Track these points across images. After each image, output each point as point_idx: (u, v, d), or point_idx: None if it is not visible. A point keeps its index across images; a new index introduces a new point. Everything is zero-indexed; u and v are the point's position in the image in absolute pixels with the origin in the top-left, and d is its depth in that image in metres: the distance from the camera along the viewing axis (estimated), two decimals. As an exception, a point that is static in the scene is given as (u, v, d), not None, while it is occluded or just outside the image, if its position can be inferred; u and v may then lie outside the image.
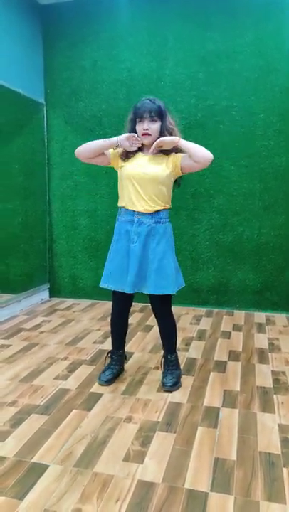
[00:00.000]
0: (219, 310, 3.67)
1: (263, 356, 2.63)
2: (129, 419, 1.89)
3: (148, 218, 2.07)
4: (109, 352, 2.35)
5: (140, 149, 2.11)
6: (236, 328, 3.21)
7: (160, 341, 2.85)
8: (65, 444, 1.70)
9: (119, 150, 2.12)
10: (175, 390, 2.16)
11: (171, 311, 2.23)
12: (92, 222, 3.91)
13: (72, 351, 2.71)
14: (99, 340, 2.91)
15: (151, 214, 2.06)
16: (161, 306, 2.19)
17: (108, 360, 2.34)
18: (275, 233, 3.52)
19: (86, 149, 2.09)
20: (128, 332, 3.06)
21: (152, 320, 3.38)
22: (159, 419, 1.89)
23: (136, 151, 2.10)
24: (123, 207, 2.13)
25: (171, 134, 2.05)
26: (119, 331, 2.31)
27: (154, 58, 3.60)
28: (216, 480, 1.49)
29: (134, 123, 2.08)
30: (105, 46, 3.69)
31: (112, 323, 2.31)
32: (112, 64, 3.70)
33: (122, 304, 2.24)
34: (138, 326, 3.25)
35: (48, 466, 1.56)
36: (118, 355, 2.32)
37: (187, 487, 1.45)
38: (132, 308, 3.78)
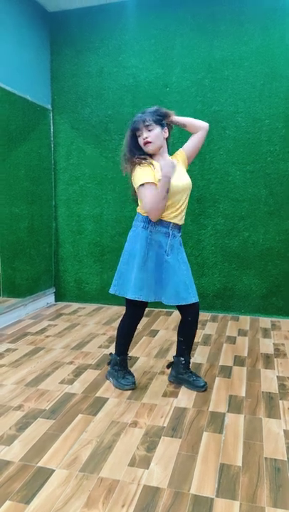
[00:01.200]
0: (224, 315, 3.67)
1: (268, 361, 2.63)
2: (134, 424, 1.89)
3: (177, 231, 2.14)
4: (122, 359, 2.30)
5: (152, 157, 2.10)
6: (241, 333, 3.20)
7: (165, 346, 2.87)
8: (70, 448, 1.71)
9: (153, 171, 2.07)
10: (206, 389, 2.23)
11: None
12: (98, 227, 3.93)
13: (77, 355, 2.72)
14: (104, 345, 2.92)
15: (180, 226, 2.14)
16: (196, 315, 2.22)
17: (121, 366, 2.30)
18: (280, 238, 3.52)
19: (158, 207, 2.01)
20: (133, 337, 3.09)
21: (157, 325, 3.39)
22: (165, 424, 1.89)
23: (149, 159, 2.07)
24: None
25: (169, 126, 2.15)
26: (132, 336, 2.33)
27: (160, 65, 3.64)
28: (222, 485, 1.48)
29: (135, 139, 2.09)
30: (112, 53, 3.73)
31: (131, 330, 2.29)
32: (118, 70, 3.73)
33: (142, 312, 2.26)
34: (143, 330, 3.25)
35: (53, 471, 1.56)
36: (129, 360, 2.37)
37: (193, 492, 1.45)
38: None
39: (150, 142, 2.04)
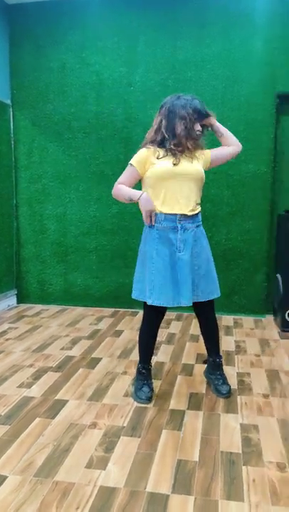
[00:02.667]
0: (189, 313, 3.70)
1: (229, 358, 2.66)
2: (94, 426, 1.86)
3: (190, 223, 1.99)
4: (142, 367, 2.16)
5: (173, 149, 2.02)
6: (204, 331, 3.23)
7: (129, 346, 2.86)
8: (26, 453, 1.66)
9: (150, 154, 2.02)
10: (230, 395, 2.12)
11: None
12: (61, 226, 3.87)
13: (38, 358, 2.65)
14: (67, 347, 2.87)
15: (191, 217, 2.00)
16: (212, 310, 2.16)
17: (141, 375, 2.16)
18: (242, 238, 3.59)
19: (119, 197, 2.08)
20: (96, 337, 3.06)
21: (122, 325, 3.37)
22: (125, 424, 1.87)
23: (179, 154, 2.00)
24: (160, 212, 1.99)
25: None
26: (153, 344, 2.16)
27: (123, 63, 3.63)
28: (178, 481, 1.48)
29: (192, 121, 1.98)
30: (74, 49, 3.69)
31: (148, 337, 2.14)
32: (81, 67, 3.69)
33: (160, 316, 2.11)
34: (107, 331, 3.22)
35: (6, 477, 1.51)
36: (149, 368, 2.18)
37: (149, 490, 1.44)
38: (101, 313, 3.77)
39: (203, 135, 2.05)
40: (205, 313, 2.16)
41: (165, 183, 1.97)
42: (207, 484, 1.47)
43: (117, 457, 1.63)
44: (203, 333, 2.22)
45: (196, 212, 2.03)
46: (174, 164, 1.96)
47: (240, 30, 3.43)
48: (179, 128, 1.97)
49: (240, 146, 2.22)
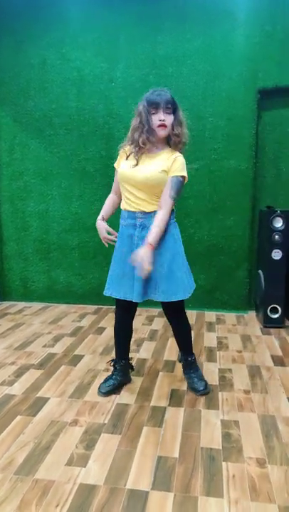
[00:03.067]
0: (172, 310, 3.71)
1: (211, 354, 2.69)
2: (75, 423, 1.86)
3: (150, 220, 1.92)
4: (112, 361, 2.23)
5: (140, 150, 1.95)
6: (187, 327, 3.26)
7: (111, 343, 2.86)
8: (6, 451, 1.65)
9: (126, 151, 2.01)
10: (208, 391, 2.13)
11: (185, 315, 2.16)
12: (44, 223, 3.83)
13: (20, 356, 2.64)
14: (49, 344, 2.86)
15: (152, 214, 1.93)
16: (175, 312, 2.11)
17: (115, 367, 2.21)
18: (224, 234, 3.62)
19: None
20: (79, 334, 3.05)
21: (105, 322, 3.37)
22: (106, 421, 1.88)
23: (139, 153, 1.94)
24: (124, 209, 2.03)
25: (182, 131, 1.93)
26: (123, 339, 2.18)
27: (104, 59, 3.59)
28: (158, 478, 1.50)
29: (148, 113, 1.88)
30: (55, 45, 3.64)
31: (116, 332, 2.18)
32: (61, 63, 3.65)
33: (126, 311, 2.12)
34: (90, 328, 3.22)
35: (-14, 476, 1.50)
36: (121, 365, 2.19)
37: (129, 487, 1.45)
38: (83, 310, 3.75)
39: (165, 126, 1.89)
40: (169, 314, 2.14)
41: (123, 184, 1.99)
42: (187, 480, 1.49)
43: (98, 454, 1.64)
44: (173, 332, 2.24)
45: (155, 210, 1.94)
46: (134, 165, 1.93)
47: (222, 25, 3.43)
48: (133, 124, 1.94)
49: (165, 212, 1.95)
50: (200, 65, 3.50)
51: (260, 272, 3.43)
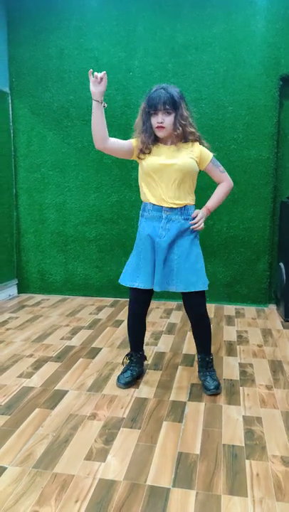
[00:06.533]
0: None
1: (231, 349, 2.63)
2: (93, 417, 1.84)
3: (177, 214, 1.97)
4: (128, 354, 2.22)
5: (158, 140, 1.98)
6: (206, 321, 3.20)
7: (126, 338, 2.82)
8: (25, 444, 1.64)
9: (138, 143, 1.99)
10: (219, 392, 2.05)
11: (206, 311, 2.08)
12: (61, 215, 3.82)
13: (38, 348, 2.63)
14: (67, 337, 2.85)
15: (180, 209, 1.97)
16: (196, 305, 2.04)
17: (127, 362, 2.22)
18: (244, 226, 3.54)
19: (94, 132, 2.01)
20: (97, 327, 3.04)
21: (122, 315, 3.34)
22: (124, 416, 1.85)
23: (155, 143, 1.97)
24: (148, 202, 2.00)
25: (184, 128, 1.93)
26: (137, 332, 2.17)
27: (122, 48, 3.53)
28: (179, 475, 1.46)
29: (148, 113, 1.93)
30: (72, 34, 3.59)
31: (130, 325, 2.16)
32: (79, 53, 3.60)
33: (141, 303, 2.10)
34: (107, 321, 3.20)
35: (5, 469, 1.49)
36: (138, 357, 2.19)
37: (149, 484, 1.42)
38: (101, 303, 3.74)
39: (163, 128, 1.91)
40: (188, 306, 2.06)
41: (153, 176, 1.98)
42: (209, 478, 1.45)
43: (117, 449, 1.61)
44: (192, 329, 2.16)
45: (185, 204, 1.99)
46: (165, 157, 1.96)
47: (243, 10, 3.32)
48: (136, 121, 2.04)
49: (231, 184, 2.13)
50: (220, 52, 3.40)
51: (281, 264, 3.34)
